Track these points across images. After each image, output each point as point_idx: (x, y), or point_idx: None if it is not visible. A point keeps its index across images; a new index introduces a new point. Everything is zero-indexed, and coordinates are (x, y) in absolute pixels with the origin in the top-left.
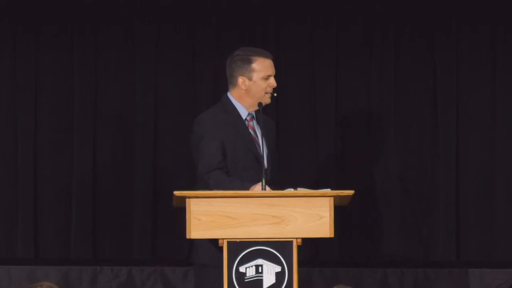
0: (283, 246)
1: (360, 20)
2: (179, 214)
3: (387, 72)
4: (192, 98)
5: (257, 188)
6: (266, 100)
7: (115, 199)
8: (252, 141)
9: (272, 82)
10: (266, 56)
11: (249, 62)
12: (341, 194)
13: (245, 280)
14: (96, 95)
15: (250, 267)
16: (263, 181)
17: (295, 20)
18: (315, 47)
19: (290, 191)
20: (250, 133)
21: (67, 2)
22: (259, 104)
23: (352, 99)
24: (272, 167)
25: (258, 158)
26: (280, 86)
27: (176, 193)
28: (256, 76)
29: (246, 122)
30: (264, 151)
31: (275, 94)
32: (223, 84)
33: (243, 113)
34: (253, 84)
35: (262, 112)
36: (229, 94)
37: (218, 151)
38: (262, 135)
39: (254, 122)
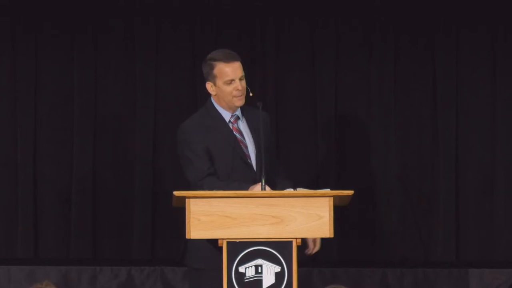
0: (283, 246)
1: (359, 20)
2: (179, 214)
3: (387, 72)
4: (192, 98)
5: (256, 188)
6: (237, 103)
7: (115, 199)
8: (238, 143)
9: (237, 85)
10: (227, 61)
11: (211, 68)
12: (340, 194)
13: (245, 280)
14: (96, 95)
15: (250, 267)
16: (263, 181)
17: (295, 20)
18: (315, 47)
19: (289, 191)
20: (235, 135)
21: (67, 2)
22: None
23: (352, 99)
24: (271, 164)
25: (245, 159)
26: (280, 86)
27: (176, 193)
28: (218, 81)
29: (231, 125)
30: (252, 151)
31: (251, 94)
32: None
33: (226, 116)
34: (218, 90)
35: (252, 108)
36: (211, 98)
37: (205, 157)
38: (258, 134)
39: (239, 122)
